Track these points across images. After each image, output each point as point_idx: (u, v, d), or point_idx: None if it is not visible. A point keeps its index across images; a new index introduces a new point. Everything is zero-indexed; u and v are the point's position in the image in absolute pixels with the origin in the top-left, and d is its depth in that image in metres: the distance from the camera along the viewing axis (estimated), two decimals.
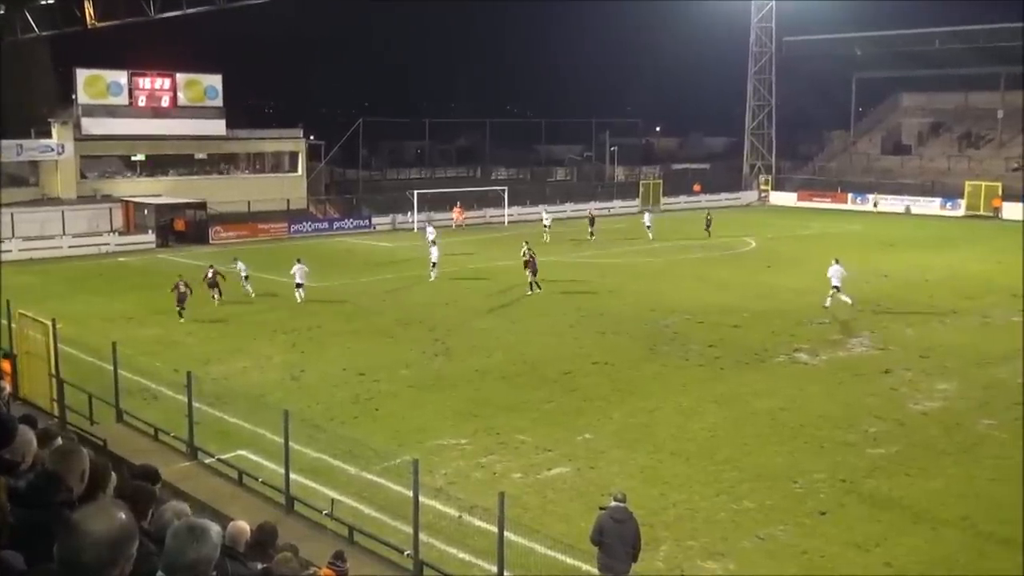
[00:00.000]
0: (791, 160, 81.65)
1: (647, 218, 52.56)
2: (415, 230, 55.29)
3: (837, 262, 31.33)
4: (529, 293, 33.98)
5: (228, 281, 33.13)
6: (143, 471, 7.81)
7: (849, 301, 30.54)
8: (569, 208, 63.56)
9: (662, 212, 62.18)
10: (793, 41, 74.95)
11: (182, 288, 29.77)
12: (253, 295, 33.70)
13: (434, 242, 40.85)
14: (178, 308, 29.82)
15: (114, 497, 4.91)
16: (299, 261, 33.33)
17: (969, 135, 74.01)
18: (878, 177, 71.30)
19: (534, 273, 34.26)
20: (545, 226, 51.11)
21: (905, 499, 15.62)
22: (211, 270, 32.57)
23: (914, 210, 65.35)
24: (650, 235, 50.33)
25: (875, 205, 67.11)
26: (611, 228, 54.41)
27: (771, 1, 74.71)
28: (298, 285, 32.88)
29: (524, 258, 35.33)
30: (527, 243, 36.84)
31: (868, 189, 68.84)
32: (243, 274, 34.09)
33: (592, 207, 58.15)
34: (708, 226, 51.47)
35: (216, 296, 32.08)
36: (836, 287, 30.79)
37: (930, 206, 65.35)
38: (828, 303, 30.77)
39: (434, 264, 37.96)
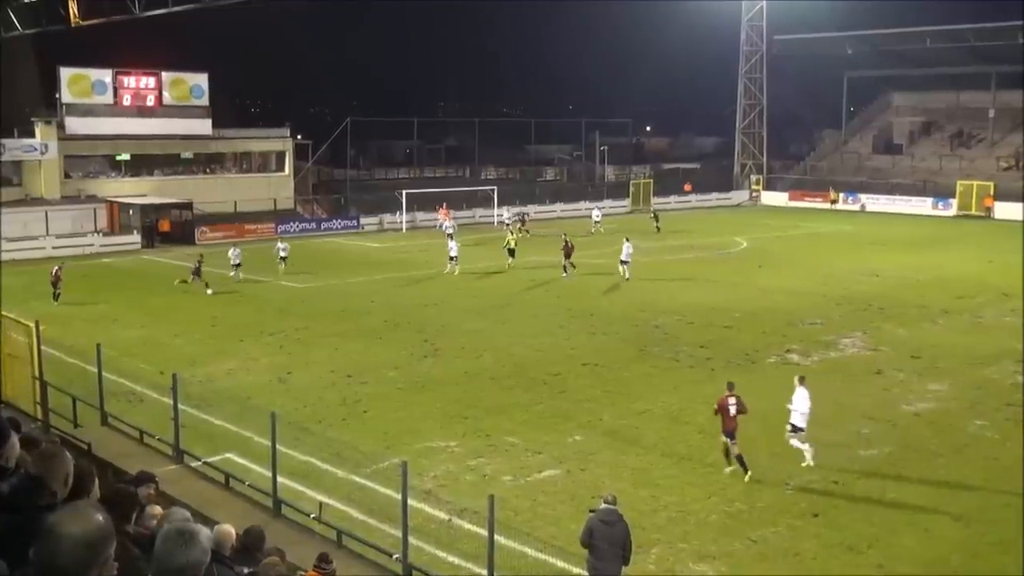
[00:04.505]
0: (782, 159, 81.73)
1: (595, 214, 55.92)
2: (404, 230, 55.33)
3: (627, 240, 36.88)
4: (564, 276, 37.20)
5: (216, 269, 36.22)
6: (139, 476, 7.66)
7: (626, 276, 35.94)
8: (559, 208, 63.65)
9: (651, 211, 61.96)
10: (784, 40, 74.80)
11: (55, 273, 33.11)
12: (232, 277, 36.76)
13: (451, 236, 42.45)
14: (54, 291, 32.79)
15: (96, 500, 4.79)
16: (235, 246, 38.83)
17: (960, 134, 74.07)
18: (870, 176, 71.45)
19: (568, 256, 37.71)
20: (504, 223, 53.40)
21: (897, 500, 15.54)
22: (199, 260, 35.66)
23: (869, 208, 66.45)
24: (598, 229, 53.18)
25: (832, 203, 67.60)
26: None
27: (761, 0, 74.76)
28: (236, 265, 37.27)
29: (509, 246, 39.98)
30: (512, 231, 43.32)
31: (860, 189, 69.03)
32: (233, 262, 37.13)
33: (531, 208, 60.48)
34: (657, 220, 54.48)
35: (195, 279, 34.63)
36: (624, 261, 36.19)
37: (922, 206, 65.54)
38: (628, 277, 35.95)
39: (453, 258, 38.90)
